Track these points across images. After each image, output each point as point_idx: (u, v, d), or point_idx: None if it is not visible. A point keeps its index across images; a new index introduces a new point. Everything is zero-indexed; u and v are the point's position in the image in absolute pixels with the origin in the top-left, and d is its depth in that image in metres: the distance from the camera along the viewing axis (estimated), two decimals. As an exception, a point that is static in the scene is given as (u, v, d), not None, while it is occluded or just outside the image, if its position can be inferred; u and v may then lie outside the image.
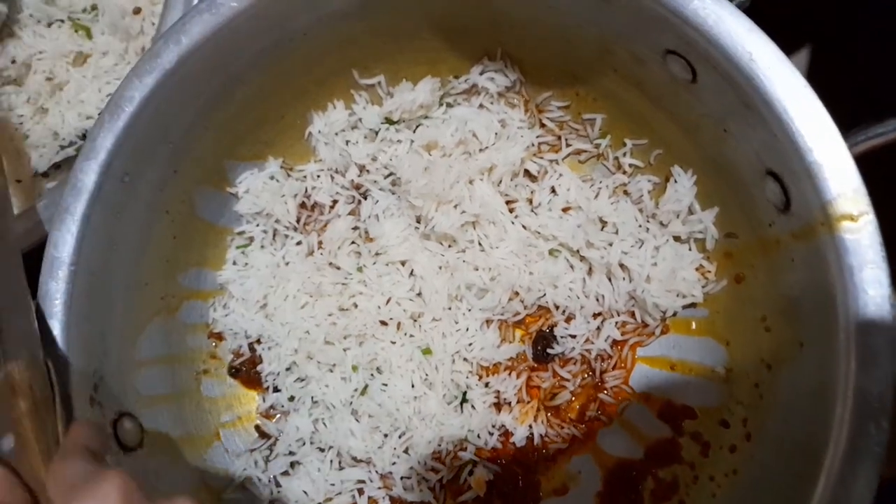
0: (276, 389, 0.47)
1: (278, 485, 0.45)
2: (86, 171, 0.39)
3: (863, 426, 0.30)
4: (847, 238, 0.30)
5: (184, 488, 0.43)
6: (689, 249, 0.42)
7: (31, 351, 0.34)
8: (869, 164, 0.31)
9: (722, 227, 0.41)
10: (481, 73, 0.45)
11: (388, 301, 0.45)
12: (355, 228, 0.47)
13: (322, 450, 0.45)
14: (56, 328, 0.38)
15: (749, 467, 0.37)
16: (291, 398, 0.46)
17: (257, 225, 0.48)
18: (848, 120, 0.33)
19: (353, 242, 0.47)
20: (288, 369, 0.46)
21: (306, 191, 0.48)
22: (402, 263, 0.45)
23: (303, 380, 0.46)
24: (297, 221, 0.47)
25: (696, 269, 0.41)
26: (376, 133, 0.47)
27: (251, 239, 0.48)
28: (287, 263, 0.47)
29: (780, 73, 0.32)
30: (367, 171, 0.47)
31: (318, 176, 0.48)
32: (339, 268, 0.47)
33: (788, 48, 0.33)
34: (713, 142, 0.38)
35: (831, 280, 0.31)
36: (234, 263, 0.48)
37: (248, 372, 0.48)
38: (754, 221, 0.38)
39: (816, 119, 0.31)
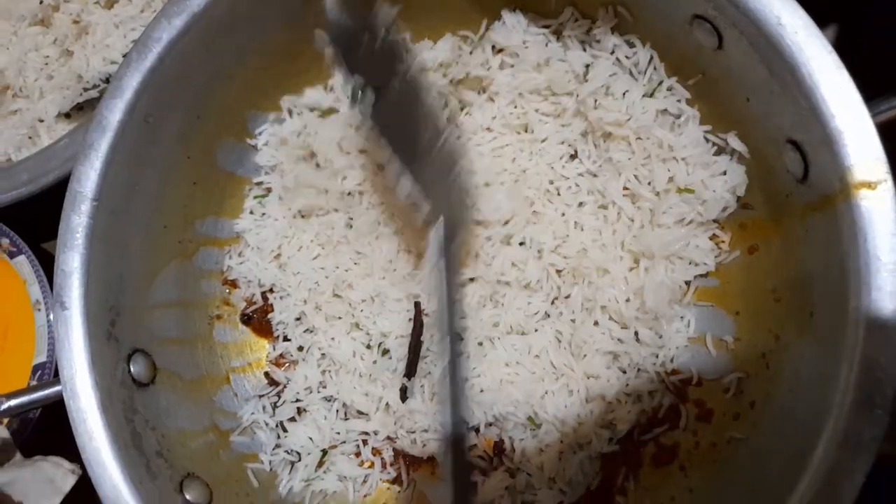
0: (285, 339, 0.47)
1: (284, 430, 0.46)
2: (111, 108, 0.40)
3: (868, 398, 0.30)
4: (863, 205, 0.31)
5: (193, 426, 0.44)
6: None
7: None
8: (892, 134, 0.31)
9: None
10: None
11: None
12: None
13: (328, 399, 0.46)
14: (76, 260, 0.39)
15: (752, 436, 0.37)
16: (300, 348, 0.47)
17: (276, 176, 0.48)
18: (871, 92, 0.33)
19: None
20: (297, 319, 0.47)
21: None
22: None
23: (311, 331, 0.46)
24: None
25: (710, 238, 0.41)
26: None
27: (269, 190, 0.49)
28: (303, 216, 0.48)
29: (807, 40, 0.32)
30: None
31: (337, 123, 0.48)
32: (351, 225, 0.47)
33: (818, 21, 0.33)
34: (734, 112, 0.38)
35: (844, 248, 0.31)
36: (251, 213, 0.49)
37: (259, 320, 0.49)
38: (771, 192, 0.38)
39: (841, 86, 0.31)
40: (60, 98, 0.52)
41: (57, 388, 0.39)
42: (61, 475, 0.42)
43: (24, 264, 0.49)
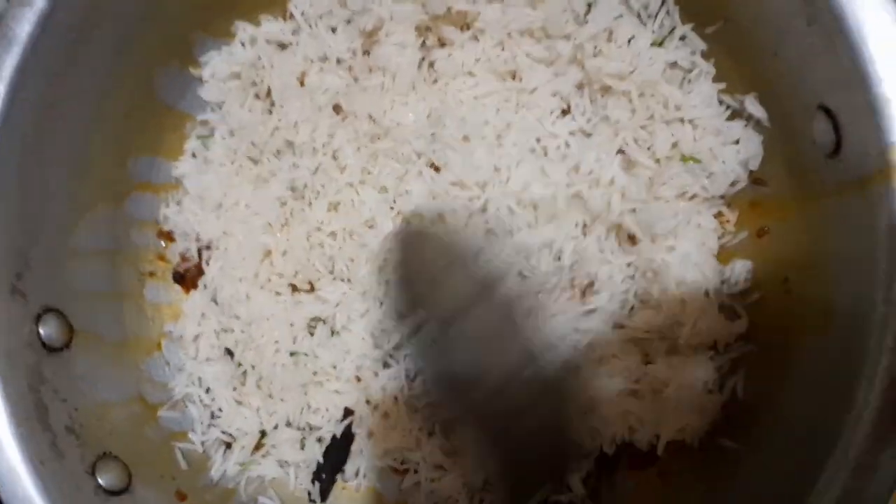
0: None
1: (220, 410, 0.40)
2: (19, 19, 0.33)
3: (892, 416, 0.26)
4: (905, 188, 0.26)
5: (114, 397, 0.38)
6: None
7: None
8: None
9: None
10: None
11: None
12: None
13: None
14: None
15: (761, 447, 0.33)
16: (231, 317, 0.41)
17: (222, 115, 0.42)
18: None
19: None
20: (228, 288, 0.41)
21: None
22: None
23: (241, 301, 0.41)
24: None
25: (715, 216, 0.36)
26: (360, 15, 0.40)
27: (213, 131, 0.42)
28: (253, 161, 0.41)
29: (858, -17, 0.26)
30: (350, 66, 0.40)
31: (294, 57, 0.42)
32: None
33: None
34: (758, 70, 0.33)
35: (879, 238, 0.27)
36: (193, 156, 0.43)
37: (193, 279, 0.43)
38: (791, 168, 0.33)
39: (894, 44, 0.26)
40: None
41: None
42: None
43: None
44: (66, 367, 0.36)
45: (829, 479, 0.27)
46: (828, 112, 0.29)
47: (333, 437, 0.39)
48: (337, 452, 0.40)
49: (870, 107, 0.26)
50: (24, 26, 0.33)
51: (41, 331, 0.35)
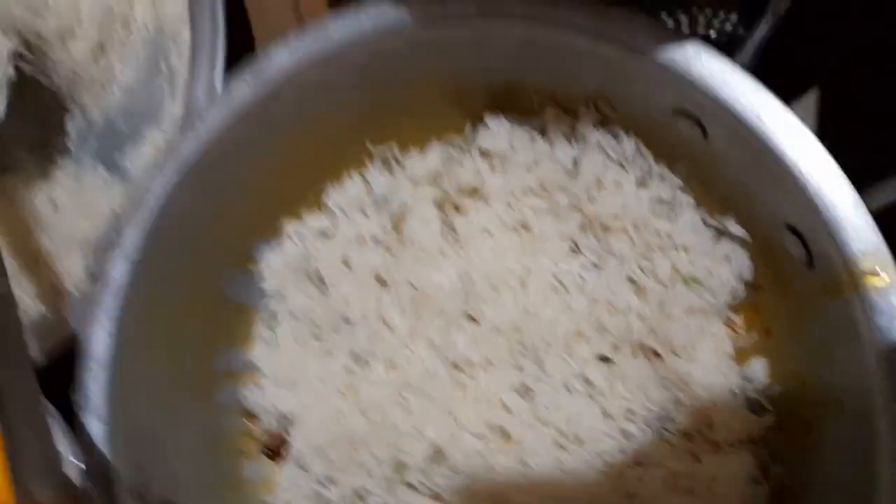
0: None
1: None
2: (116, 265, 0.41)
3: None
4: (873, 296, 0.30)
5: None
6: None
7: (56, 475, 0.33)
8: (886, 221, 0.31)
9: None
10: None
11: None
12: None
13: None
14: (99, 428, 0.39)
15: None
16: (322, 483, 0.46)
17: (282, 301, 0.49)
18: (861, 168, 0.33)
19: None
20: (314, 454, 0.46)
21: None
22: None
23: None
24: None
25: (725, 324, 0.41)
26: (387, 201, 0.48)
27: (277, 316, 0.49)
28: (317, 338, 0.48)
29: (789, 131, 0.32)
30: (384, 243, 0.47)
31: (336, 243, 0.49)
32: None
33: (795, 93, 0.33)
34: (729, 196, 0.38)
35: (861, 336, 0.31)
36: (264, 341, 0.49)
37: (281, 452, 0.48)
38: (780, 275, 0.37)
39: (830, 177, 0.31)
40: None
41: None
42: None
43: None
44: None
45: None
46: (794, 231, 0.34)
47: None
48: None
49: (825, 228, 0.32)
50: (120, 269, 0.41)
51: (160, 524, 0.41)
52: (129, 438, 0.40)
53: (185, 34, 0.52)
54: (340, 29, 0.38)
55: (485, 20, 0.36)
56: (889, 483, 0.30)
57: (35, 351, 0.47)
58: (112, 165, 0.55)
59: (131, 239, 0.40)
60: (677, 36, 0.33)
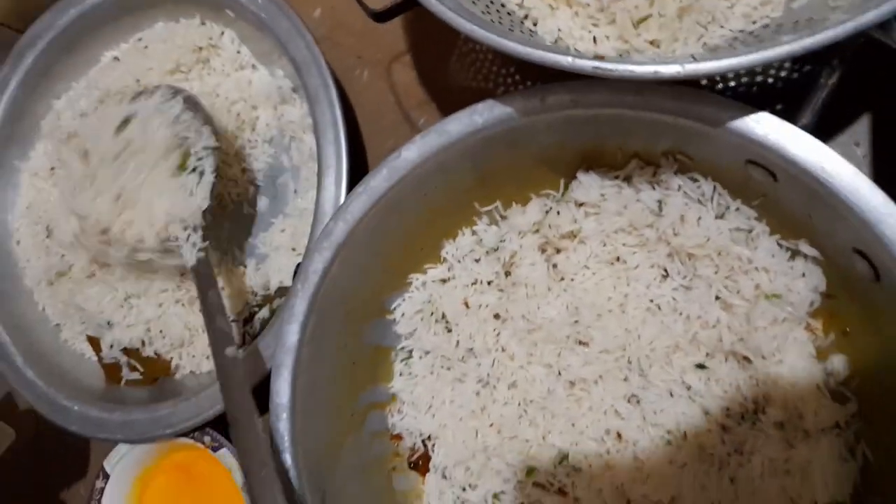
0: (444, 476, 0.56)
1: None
2: (289, 332, 0.50)
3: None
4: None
5: (399, 571, 0.52)
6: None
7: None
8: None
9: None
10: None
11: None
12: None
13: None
14: (288, 460, 0.48)
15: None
16: (463, 489, 0.55)
17: (414, 340, 0.57)
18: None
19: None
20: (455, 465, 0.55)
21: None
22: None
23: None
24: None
25: (805, 329, 0.47)
26: (496, 250, 0.56)
27: (410, 353, 0.58)
28: (446, 369, 0.56)
29: (848, 177, 0.39)
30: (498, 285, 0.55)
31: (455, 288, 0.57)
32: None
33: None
34: (800, 225, 0.45)
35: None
36: (401, 375, 0.58)
37: (425, 465, 0.57)
38: (851, 287, 0.44)
39: (885, 209, 0.38)
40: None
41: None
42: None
43: (226, 456, 0.59)
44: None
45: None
46: (861, 254, 0.41)
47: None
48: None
49: (886, 251, 0.38)
50: (293, 336, 0.50)
51: (346, 536, 0.50)
52: (309, 471, 0.49)
53: (306, 138, 0.62)
54: (456, 125, 0.46)
55: (577, 108, 0.44)
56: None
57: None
58: (245, 249, 0.65)
59: (300, 308, 0.49)
60: (746, 109, 0.40)
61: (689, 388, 0.50)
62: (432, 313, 0.57)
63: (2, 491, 0.73)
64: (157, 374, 0.65)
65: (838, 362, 0.47)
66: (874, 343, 0.44)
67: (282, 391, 0.49)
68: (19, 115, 0.70)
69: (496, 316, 0.55)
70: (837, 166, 0.39)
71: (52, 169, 0.70)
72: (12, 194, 0.71)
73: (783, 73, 0.46)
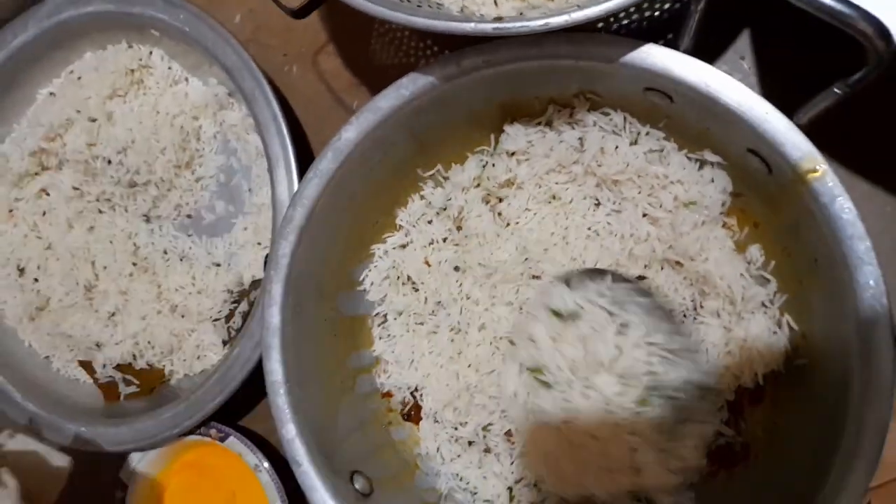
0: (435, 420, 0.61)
1: (476, 488, 0.59)
2: (271, 315, 0.54)
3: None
4: (815, 185, 0.43)
5: (411, 512, 0.58)
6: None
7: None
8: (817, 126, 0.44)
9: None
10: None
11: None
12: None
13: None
14: (293, 430, 0.52)
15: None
16: (455, 427, 0.61)
17: (387, 305, 0.62)
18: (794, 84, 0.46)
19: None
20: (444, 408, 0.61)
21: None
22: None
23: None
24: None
25: (722, 227, 0.54)
26: (444, 209, 0.61)
27: (385, 317, 0.63)
28: (419, 324, 0.61)
29: (733, 89, 0.45)
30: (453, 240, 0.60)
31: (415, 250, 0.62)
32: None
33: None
34: (702, 137, 0.51)
35: (815, 213, 0.44)
36: (380, 338, 0.63)
37: (417, 414, 0.62)
38: (751, 182, 0.50)
39: (768, 112, 0.44)
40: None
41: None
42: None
43: (234, 443, 0.64)
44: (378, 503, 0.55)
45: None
46: (754, 152, 0.47)
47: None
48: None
49: (773, 147, 0.45)
50: (276, 317, 0.54)
51: (356, 486, 0.55)
52: (312, 435, 0.54)
53: (250, 138, 0.65)
54: (386, 101, 0.51)
55: (490, 67, 0.49)
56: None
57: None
58: (213, 253, 0.69)
59: (277, 292, 0.54)
60: (634, 43, 0.45)
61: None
62: (398, 277, 0.62)
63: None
64: (152, 383, 0.69)
65: (755, 251, 0.53)
66: (780, 229, 0.51)
67: (275, 370, 0.54)
68: (-33, 163, 0.72)
69: (456, 268, 0.60)
70: (720, 80, 0.45)
71: (10, 211, 0.72)
72: (-26, 242, 0.73)
73: (666, 6, 0.51)
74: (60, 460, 0.57)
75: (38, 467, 0.56)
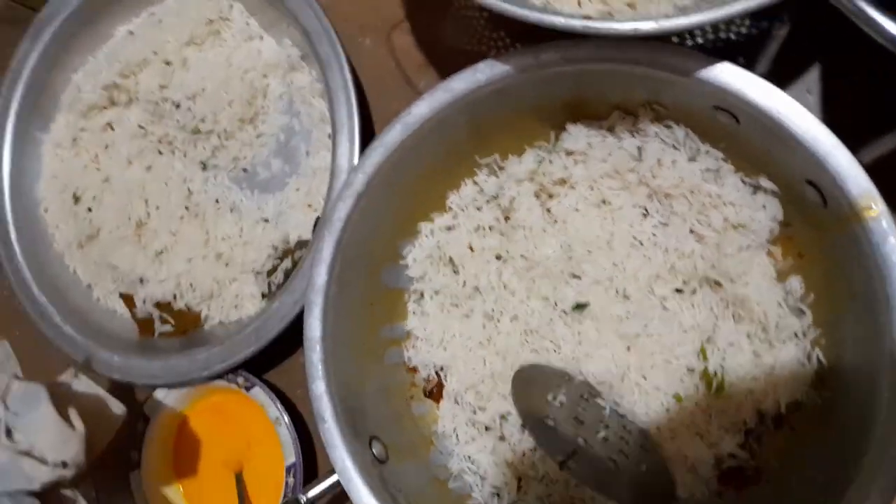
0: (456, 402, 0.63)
1: (486, 472, 0.61)
2: (318, 274, 0.56)
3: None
4: (870, 223, 0.44)
5: (421, 484, 0.60)
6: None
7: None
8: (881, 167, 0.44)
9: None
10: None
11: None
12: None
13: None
14: (321, 387, 0.54)
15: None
16: (474, 411, 0.62)
17: (426, 282, 0.64)
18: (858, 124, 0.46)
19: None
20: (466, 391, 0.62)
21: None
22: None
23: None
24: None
25: (767, 255, 0.55)
26: (496, 198, 0.62)
27: (422, 294, 0.64)
28: (454, 306, 0.63)
29: (799, 117, 0.46)
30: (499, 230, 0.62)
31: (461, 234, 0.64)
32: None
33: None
34: (760, 162, 0.52)
35: (865, 251, 0.45)
36: (414, 314, 0.64)
37: (439, 392, 0.64)
38: (804, 213, 0.51)
39: (832, 145, 0.45)
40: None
41: (334, 477, 0.54)
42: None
43: (259, 393, 0.66)
44: (391, 471, 0.57)
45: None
46: (811, 183, 0.48)
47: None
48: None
49: (832, 180, 0.45)
50: (322, 276, 0.56)
51: (374, 451, 0.57)
52: (340, 393, 0.56)
53: (315, 103, 0.67)
54: (461, 83, 0.52)
55: (566, 64, 0.50)
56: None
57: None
58: (264, 208, 0.71)
59: (327, 252, 0.56)
60: (711, 59, 0.47)
61: (668, 309, 0.57)
62: (440, 257, 0.63)
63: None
64: (187, 326, 0.72)
65: (795, 282, 0.54)
66: (824, 262, 0.52)
67: (314, 326, 0.56)
68: (40, 88, 0.74)
69: (498, 257, 0.62)
70: (790, 107, 0.46)
71: (74, 140, 0.75)
72: (36, 164, 0.76)
73: (743, 30, 0.52)
74: (117, 408, 0.59)
75: (97, 412, 0.57)
